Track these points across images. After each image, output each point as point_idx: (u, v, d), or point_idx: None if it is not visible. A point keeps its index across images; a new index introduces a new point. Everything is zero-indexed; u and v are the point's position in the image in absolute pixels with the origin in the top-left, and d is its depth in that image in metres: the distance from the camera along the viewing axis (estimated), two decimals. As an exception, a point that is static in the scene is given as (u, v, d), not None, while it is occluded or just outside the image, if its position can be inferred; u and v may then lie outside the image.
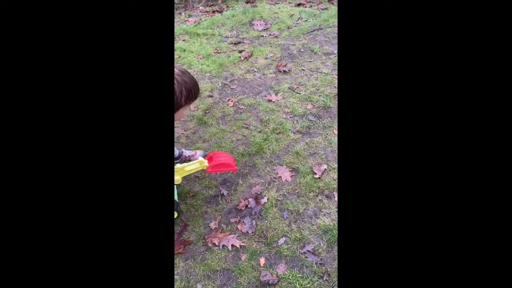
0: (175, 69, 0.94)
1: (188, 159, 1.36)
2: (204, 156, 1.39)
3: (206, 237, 1.10)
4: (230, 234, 1.10)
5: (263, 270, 1.00)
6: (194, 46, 2.26)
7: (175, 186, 1.19)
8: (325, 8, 2.75)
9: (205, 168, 1.13)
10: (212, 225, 1.13)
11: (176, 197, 1.17)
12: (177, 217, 1.15)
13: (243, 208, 1.18)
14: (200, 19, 2.73)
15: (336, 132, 1.48)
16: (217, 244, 1.07)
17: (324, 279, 0.96)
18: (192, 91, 0.96)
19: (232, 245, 1.06)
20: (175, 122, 1.55)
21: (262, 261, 1.02)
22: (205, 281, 0.98)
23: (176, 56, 2.17)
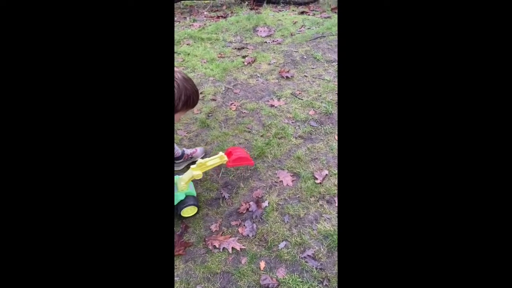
0: (178, 74, 0.95)
1: (190, 157, 1.38)
2: (206, 153, 1.42)
3: (206, 239, 1.10)
4: (230, 237, 1.10)
5: (263, 273, 1.00)
6: (198, 50, 2.29)
7: (192, 182, 1.20)
8: (328, 17, 2.80)
9: (225, 162, 1.15)
10: (213, 227, 1.14)
11: (194, 192, 1.18)
12: (197, 212, 1.17)
13: (244, 212, 1.19)
14: (205, 24, 2.77)
15: (337, 138, 1.49)
16: (217, 246, 1.07)
17: (324, 284, 0.97)
18: (191, 98, 0.96)
19: (233, 248, 1.06)
20: (179, 124, 1.57)
21: (262, 264, 1.02)
22: (205, 283, 0.98)
23: (180, 60, 2.20)
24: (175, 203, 1.13)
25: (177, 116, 1.01)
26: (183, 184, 1.11)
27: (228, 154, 1.17)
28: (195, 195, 1.18)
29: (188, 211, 1.15)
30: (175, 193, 1.12)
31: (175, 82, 0.93)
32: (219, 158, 1.14)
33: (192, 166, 1.11)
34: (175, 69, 0.98)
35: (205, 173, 1.33)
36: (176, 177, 1.14)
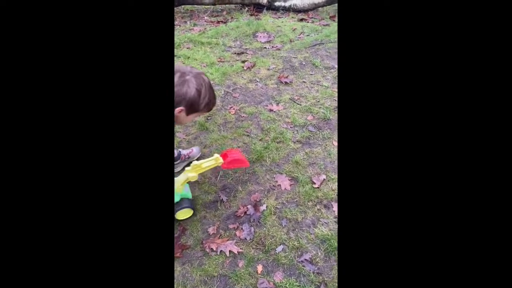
0: (206, 78, 1.01)
1: (187, 157, 1.38)
2: (200, 154, 1.43)
3: (204, 242, 1.09)
4: (228, 240, 1.10)
5: (260, 277, 0.99)
6: (198, 54, 2.31)
7: (187, 184, 1.19)
8: (326, 24, 2.84)
9: (220, 164, 1.15)
10: (211, 230, 1.13)
11: (190, 195, 1.17)
12: (192, 215, 1.17)
13: (242, 215, 1.19)
14: (205, 29, 2.79)
15: (335, 143, 1.50)
16: (214, 249, 1.07)
17: (321, 288, 0.97)
18: (211, 103, 1.04)
19: (230, 251, 1.06)
20: (178, 127, 1.57)
21: (260, 268, 1.02)
22: (201, 286, 0.98)
23: (180, 63, 2.21)
24: None
25: (191, 117, 1.04)
26: (178, 186, 1.10)
27: (224, 156, 1.17)
28: (190, 197, 1.17)
29: (183, 214, 1.15)
30: None
31: (204, 84, 0.98)
32: (214, 160, 1.14)
33: (187, 168, 1.11)
34: (203, 73, 1.02)
35: (203, 175, 1.34)
36: None
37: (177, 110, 0.95)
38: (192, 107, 0.97)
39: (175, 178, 1.12)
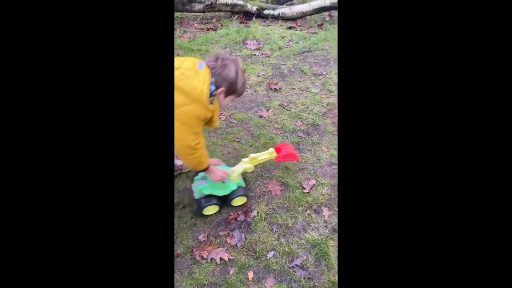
0: (240, 63, 1.07)
1: (180, 168, 1.37)
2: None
3: (194, 250, 1.08)
4: (218, 247, 1.09)
5: (252, 284, 0.99)
6: (188, 61, 2.31)
7: (241, 175, 1.24)
8: (314, 32, 2.90)
9: (274, 158, 1.23)
10: (201, 237, 1.12)
11: (243, 184, 1.23)
12: (247, 201, 1.23)
13: (233, 221, 1.18)
14: (195, 36, 2.80)
15: (324, 148, 1.53)
16: (205, 257, 1.06)
17: (312, 293, 0.97)
18: (244, 86, 1.12)
19: (221, 259, 1.05)
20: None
21: (251, 275, 1.01)
22: (191, 295, 0.96)
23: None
24: (228, 192, 1.18)
25: (229, 99, 1.10)
26: (235, 175, 1.18)
27: (278, 150, 1.25)
28: (244, 186, 1.24)
29: (239, 201, 1.21)
30: (228, 184, 1.17)
31: (240, 68, 1.05)
32: (269, 154, 1.22)
33: (244, 160, 1.20)
34: (237, 58, 1.08)
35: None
36: (229, 168, 1.20)
37: (219, 90, 1.02)
38: (231, 88, 1.05)
39: (232, 168, 1.19)
